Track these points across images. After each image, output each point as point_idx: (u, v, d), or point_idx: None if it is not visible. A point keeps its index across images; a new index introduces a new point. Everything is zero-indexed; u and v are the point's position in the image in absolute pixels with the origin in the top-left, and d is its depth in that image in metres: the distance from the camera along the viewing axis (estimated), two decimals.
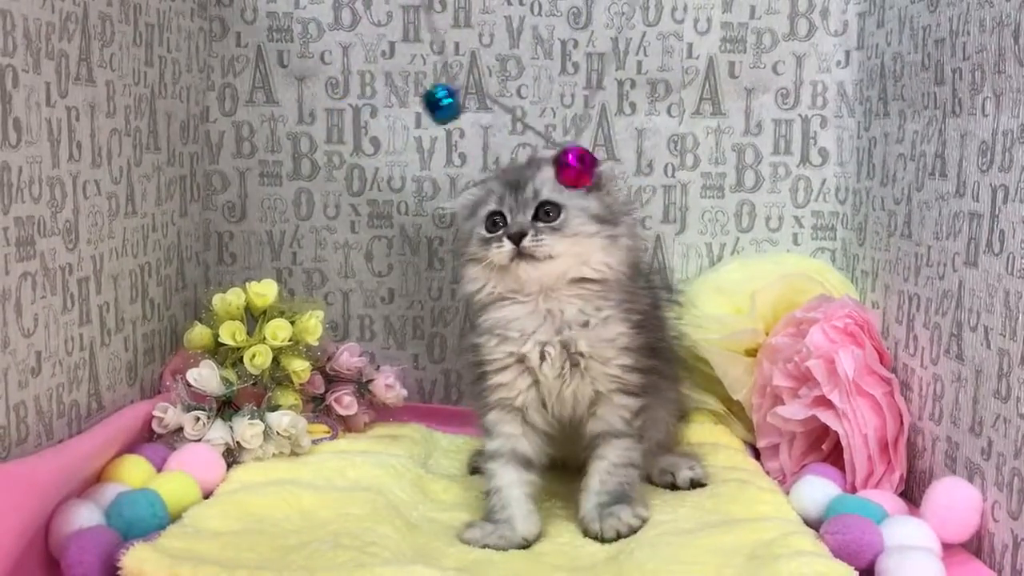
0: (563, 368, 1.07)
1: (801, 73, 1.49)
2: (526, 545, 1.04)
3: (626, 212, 1.13)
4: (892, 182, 1.29)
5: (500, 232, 1.07)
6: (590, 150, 1.04)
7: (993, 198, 1.01)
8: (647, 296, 1.14)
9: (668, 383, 1.20)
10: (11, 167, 0.92)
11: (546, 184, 1.07)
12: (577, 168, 1.02)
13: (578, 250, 1.06)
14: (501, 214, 1.08)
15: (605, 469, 1.08)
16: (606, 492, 1.07)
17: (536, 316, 1.07)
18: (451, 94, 1.07)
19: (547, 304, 1.07)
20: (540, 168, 1.10)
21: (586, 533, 1.07)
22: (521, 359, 1.07)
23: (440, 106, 1.07)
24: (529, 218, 1.06)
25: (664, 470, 1.20)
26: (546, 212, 1.07)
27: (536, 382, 1.08)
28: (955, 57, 1.11)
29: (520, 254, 1.05)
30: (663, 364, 1.16)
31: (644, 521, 1.06)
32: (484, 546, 1.03)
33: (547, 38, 1.48)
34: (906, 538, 0.99)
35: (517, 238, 1.05)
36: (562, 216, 1.06)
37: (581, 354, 1.07)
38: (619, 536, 1.04)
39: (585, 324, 1.07)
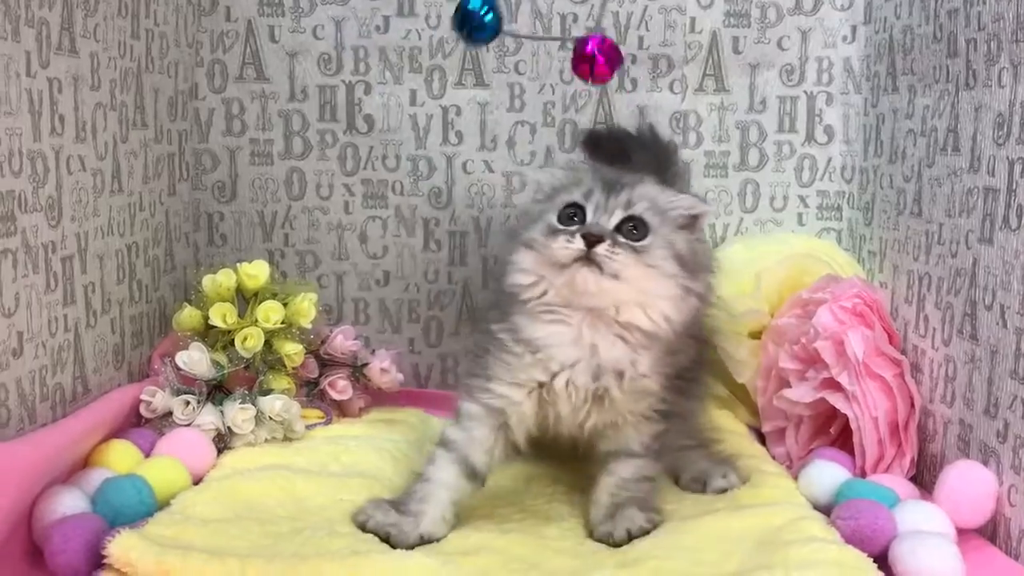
0: (584, 404, 0.98)
1: (806, 48, 1.45)
2: (420, 543, 0.94)
3: (707, 268, 1.01)
4: (901, 159, 1.26)
5: (575, 228, 0.95)
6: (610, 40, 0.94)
7: (1010, 172, 0.97)
8: (692, 345, 1.04)
9: (697, 394, 1.15)
10: None
11: (644, 199, 0.96)
12: (594, 58, 0.90)
13: (648, 286, 0.94)
14: (582, 209, 0.96)
15: (616, 484, 1.01)
16: (615, 504, 1.00)
17: (578, 347, 0.96)
18: (490, 7, 0.93)
19: (591, 335, 0.95)
20: (643, 180, 1.00)
21: (592, 535, 1.00)
22: (542, 386, 0.98)
23: (483, 24, 0.93)
24: (611, 226, 0.95)
25: (695, 478, 1.13)
26: (632, 228, 0.95)
27: (543, 408, 0.99)
28: (969, 28, 1.07)
29: (588, 259, 0.92)
30: (694, 383, 1.11)
31: (656, 525, 0.99)
32: (380, 529, 0.94)
33: (546, 13, 1.44)
34: (920, 523, 0.96)
35: (593, 240, 0.92)
36: (648, 240, 0.95)
37: (610, 399, 0.97)
38: (630, 536, 0.97)
39: (620, 375, 0.96)
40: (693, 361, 1.07)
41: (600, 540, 0.99)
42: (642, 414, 1.01)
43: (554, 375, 0.97)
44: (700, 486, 1.12)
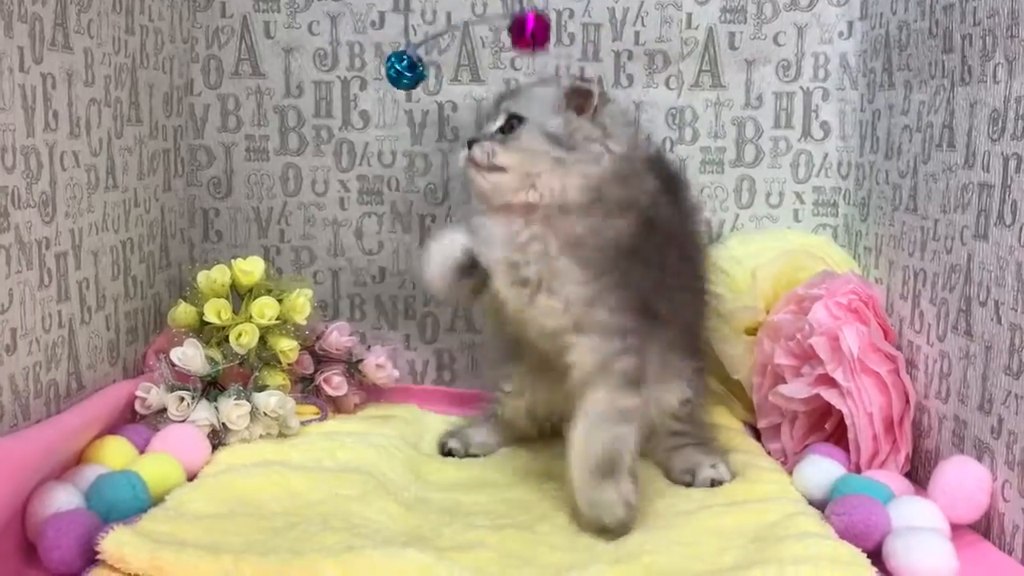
0: (516, 290, 1.06)
1: (803, 44, 1.45)
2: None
3: (599, 140, 1.05)
4: (897, 155, 1.26)
5: None
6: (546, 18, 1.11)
7: (1005, 168, 0.97)
8: (624, 231, 1.04)
9: (681, 330, 1.15)
10: None
11: (524, 99, 1.09)
12: (521, 29, 1.11)
13: (527, 168, 1.05)
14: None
15: (584, 429, 0.99)
16: (592, 456, 0.98)
17: (498, 232, 1.06)
18: (413, 65, 1.15)
19: (509, 225, 1.06)
20: (536, 85, 1.13)
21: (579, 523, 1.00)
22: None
23: (406, 76, 1.16)
24: (494, 129, 1.08)
25: (686, 470, 1.13)
26: (510, 126, 1.07)
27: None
28: (965, 23, 1.07)
29: (471, 160, 1.07)
30: (673, 306, 1.09)
31: (632, 507, 0.98)
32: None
33: (542, 7, 1.43)
34: (914, 519, 0.96)
35: (470, 145, 1.07)
36: (518, 130, 1.06)
37: (528, 279, 1.05)
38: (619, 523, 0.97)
39: (525, 248, 1.05)
40: (642, 253, 1.06)
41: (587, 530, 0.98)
42: (577, 317, 1.03)
43: (488, 254, 1.07)
44: (690, 477, 1.12)
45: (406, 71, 1.19)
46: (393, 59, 1.20)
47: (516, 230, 1.05)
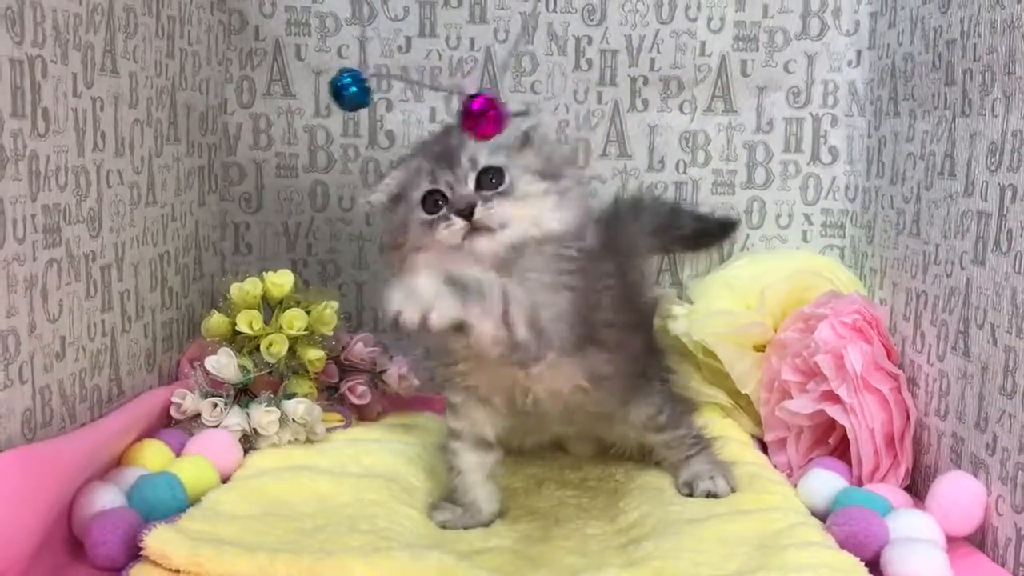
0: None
1: (812, 72, 1.50)
2: (490, 522, 1.07)
3: (570, 163, 1.03)
4: (901, 181, 1.31)
5: (444, 210, 0.98)
6: (496, 96, 0.92)
7: (1001, 198, 1.02)
8: (599, 265, 1.03)
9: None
10: (39, 156, 0.94)
11: (480, 149, 0.98)
12: (478, 115, 0.91)
13: (531, 212, 0.98)
14: (439, 192, 0.98)
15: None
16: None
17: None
18: (356, 81, 0.96)
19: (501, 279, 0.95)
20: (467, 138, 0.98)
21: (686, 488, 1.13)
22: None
23: (343, 95, 0.95)
24: (472, 188, 0.98)
25: (686, 482, 1.16)
26: (489, 179, 0.98)
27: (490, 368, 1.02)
28: (965, 58, 1.12)
29: (473, 228, 0.96)
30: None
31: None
32: (458, 527, 1.05)
33: (561, 34, 1.50)
34: (911, 530, 1.00)
35: (468, 212, 0.96)
36: (507, 180, 0.98)
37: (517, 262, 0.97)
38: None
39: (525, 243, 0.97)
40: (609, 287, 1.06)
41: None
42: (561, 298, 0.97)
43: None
44: (688, 490, 1.15)
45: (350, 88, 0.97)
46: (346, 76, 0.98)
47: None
